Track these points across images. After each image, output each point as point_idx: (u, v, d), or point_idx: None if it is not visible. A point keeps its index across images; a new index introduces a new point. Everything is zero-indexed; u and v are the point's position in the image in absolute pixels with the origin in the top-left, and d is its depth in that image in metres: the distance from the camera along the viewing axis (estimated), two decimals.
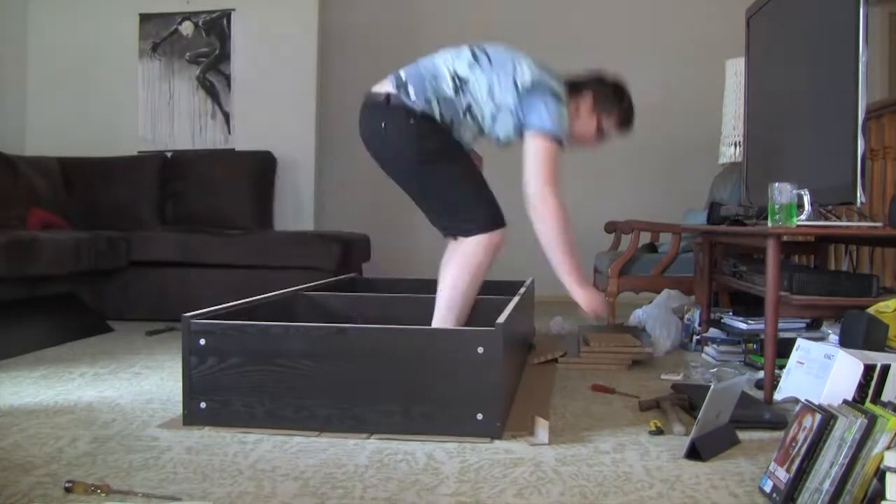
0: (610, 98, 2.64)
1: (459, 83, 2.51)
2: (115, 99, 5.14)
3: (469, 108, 2.53)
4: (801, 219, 2.34)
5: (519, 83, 2.51)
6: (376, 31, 5.73)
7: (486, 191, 2.58)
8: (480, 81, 2.51)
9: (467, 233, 2.51)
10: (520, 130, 2.56)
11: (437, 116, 2.49)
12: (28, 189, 4.23)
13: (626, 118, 2.68)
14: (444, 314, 2.50)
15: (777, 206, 2.31)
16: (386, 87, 2.54)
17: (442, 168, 2.52)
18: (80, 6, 5.18)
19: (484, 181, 2.61)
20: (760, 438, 1.92)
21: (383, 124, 2.51)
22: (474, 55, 2.54)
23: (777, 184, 2.31)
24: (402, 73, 2.55)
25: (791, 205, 2.30)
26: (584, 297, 2.48)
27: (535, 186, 2.49)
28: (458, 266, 2.53)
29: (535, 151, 2.50)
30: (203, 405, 1.98)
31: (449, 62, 2.53)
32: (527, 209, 2.52)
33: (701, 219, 3.83)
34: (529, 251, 5.64)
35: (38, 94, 5.19)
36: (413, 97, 2.47)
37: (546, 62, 2.62)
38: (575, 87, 2.64)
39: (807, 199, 2.35)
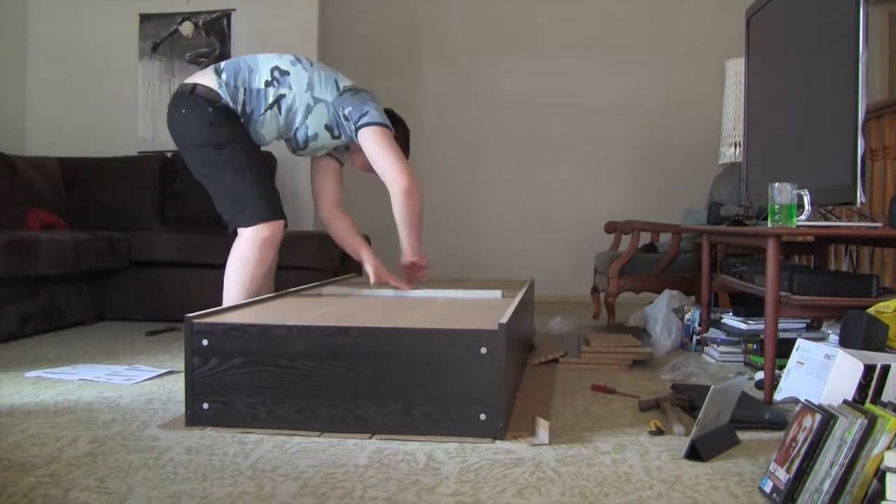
0: (404, 142, 2.91)
1: (278, 75, 2.69)
2: (115, 99, 5.14)
3: (278, 101, 2.69)
4: (801, 219, 2.34)
5: (340, 84, 2.75)
6: (376, 31, 5.74)
7: (264, 186, 2.71)
8: (300, 75, 2.71)
9: (237, 224, 2.68)
10: (331, 130, 2.75)
11: (239, 108, 2.67)
12: (28, 189, 4.24)
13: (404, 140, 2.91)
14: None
15: (777, 206, 2.31)
16: (197, 78, 2.72)
17: (227, 158, 2.66)
18: (80, 6, 5.18)
19: (266, 177, 2.77)
20: (760, 438, 1.92)
21: (184, 111, 2.68)
22: (297, 57, 2.77)
23: (777, 184, 2.31)
24: (221, 65, 2.74)
25: (791, 205, 2.30)
26: (418, 252, 2.90)
27: (402, 174, 2.79)
28: (230, 261, 2.67)
29: (379, 142, 2.72)
30: (206, 406, 1.98)
31: (272, 58, 2.73)
32: (396, 187, 2.84)
33: (701, 219, 3.84)
34: (530, 251, 5.66)
35: (38, 94, 5.19)
36: (220, 87, 2.66)
37: None
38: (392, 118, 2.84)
39: (807, 199, 2.35)
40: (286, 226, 2.76)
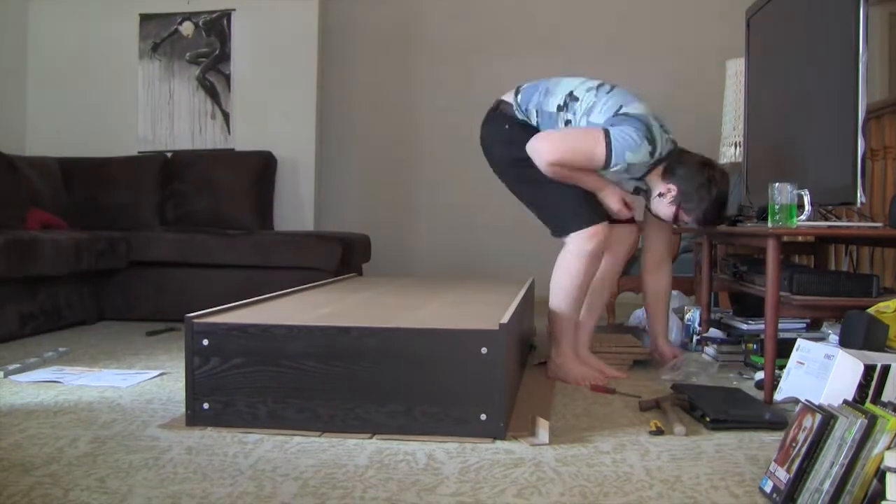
0: (692, 199, 2.61)
1: (569, 100, 2.61)
2: (115, 99, 5.14)
3: (567, 125, 2.63)
4: (802, 219, 2.34)
5: (623, 110, 2.56)
6: (376, 31, 5.73)
7: (572, 194, 2.63)
8: (587, 101, 2.60)
9: (556, 234, 2.68)
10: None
11: (535, 125, 2.68)
12: (28, 189, 4.24)
13: (705, 219, 2.64)
14: (550, 317, 2.69)
15: (777, 206, 2.31)
16: (504, 95, 2.75)
17: (530, 175, 2.62)
18: (80, 6, 5.18)
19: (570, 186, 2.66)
20: (760, 439, 1.93)
21: (486, 128, 2.77)
22: (602, 83, 2.65)
23: (777, 184, 2.31)
24: (523, 85, 2.73)
25: (791, 205, 2.30)
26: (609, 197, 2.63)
27: (540, 147, 2.56)
28: (556, 268, 2.67)
29: (575, 129, 2.60)
30: (206, 406, 1.98)
31: (573, 83, 2.66)
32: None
33: None
34: (530, 251, 5.65)
35: (38, 94, 5.19)
36: (516, 106, 2.70)
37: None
38: (669, 170, 2.64)
39: (807, 199, 2.35)
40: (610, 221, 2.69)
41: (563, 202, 2.62)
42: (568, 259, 2.62)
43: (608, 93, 2.61)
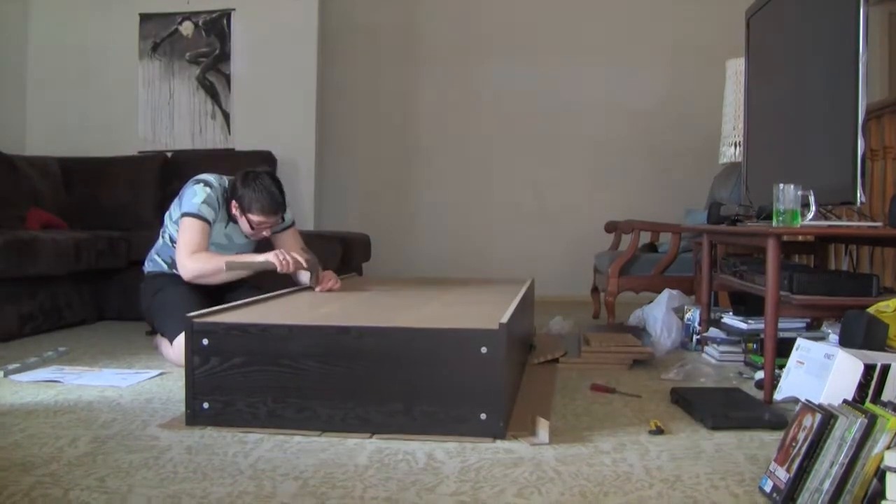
0: (244, 197, 2.90)
1: (163, 233, 3.14)
2: (115, 99, 5.14)
3: (170, 238, 3.06)
4: (809, 219, 2.34)
5: (184, 190, 3.00)
6: (376, 31, 5.74)
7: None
8: (167, 225, 3.09)
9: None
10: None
11: (162, 265, 3.11)
12: (28, 189, 4.24)
13: (249, 206, 2.91)
14: None
15: (782, 209, 2.31)
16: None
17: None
18: (81, 6, 5.19)
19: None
20: (761, 438, 1.92)
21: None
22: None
23: (782, 185, 2.30)
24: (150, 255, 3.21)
25: (795, 210, 2.30)
26: (269, 257, 2.84)
27: (178, 258, 2.91)
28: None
29: (180, 229, 2.92)
30: (206, 405, 1.98)
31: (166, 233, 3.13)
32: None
33: (701, 219, 3.83)
34: (529, 251, 5.65)
35: (38, 94, 5.19)
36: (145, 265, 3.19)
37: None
38: (232, 194, 2.97)
39: (812, 200, 2.35)
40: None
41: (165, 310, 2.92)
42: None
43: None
